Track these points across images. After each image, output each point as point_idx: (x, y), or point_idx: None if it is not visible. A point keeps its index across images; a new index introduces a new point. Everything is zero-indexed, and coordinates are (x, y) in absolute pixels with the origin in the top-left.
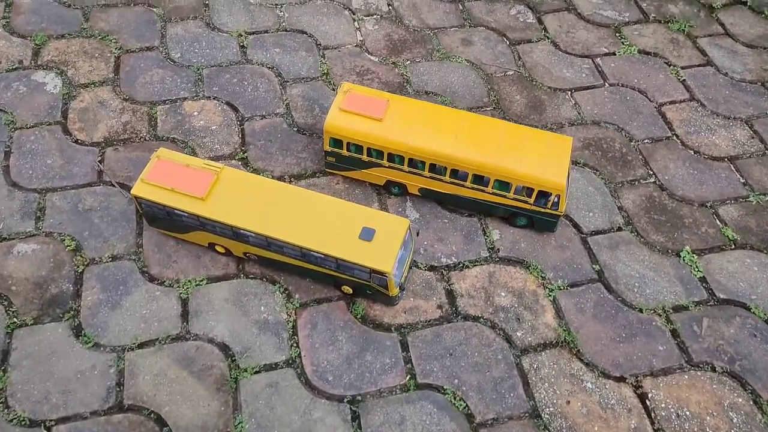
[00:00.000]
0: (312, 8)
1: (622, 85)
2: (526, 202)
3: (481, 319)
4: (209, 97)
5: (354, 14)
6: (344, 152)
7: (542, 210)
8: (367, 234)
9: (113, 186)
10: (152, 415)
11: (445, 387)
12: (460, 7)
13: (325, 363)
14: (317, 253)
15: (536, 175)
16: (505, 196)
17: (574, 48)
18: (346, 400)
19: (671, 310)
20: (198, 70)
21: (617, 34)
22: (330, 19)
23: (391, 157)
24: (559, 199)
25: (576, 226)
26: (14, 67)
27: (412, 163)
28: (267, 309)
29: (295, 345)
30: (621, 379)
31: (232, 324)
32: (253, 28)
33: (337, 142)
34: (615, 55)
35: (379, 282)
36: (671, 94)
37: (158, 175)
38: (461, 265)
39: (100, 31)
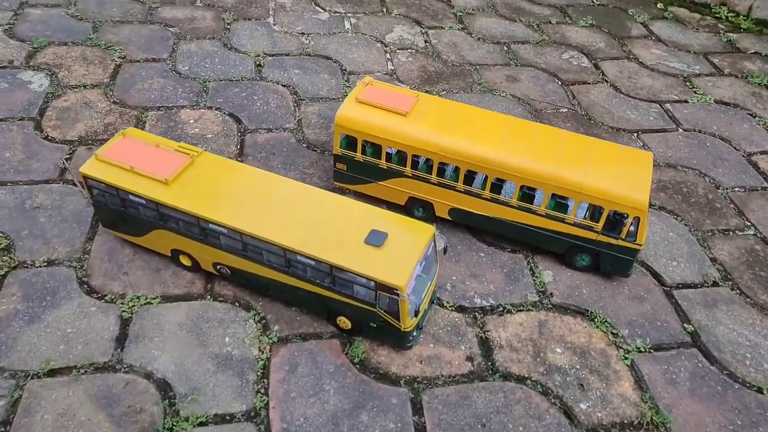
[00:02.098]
0: (341, 38)
1: (700, 131)
2: (591, 229)
3: (529, 381)
4: (211, 107)
5: (386, 46)
6: (358, 156)
7: (613, 242)
8: (377, 238)
9: (75, 185)
10: None
11: None
12: (506, 48)
13: (302, 420)
14: (305, 257)
15: (608, 189)
16: (562, 220)
17: (639, 93)
18: None
19: None
20: (204, 82)
21: (687, 84)
22: (360, 48)
23: (417, 163)
24: (637, 226)
25: (656, 275)
26: (2, 65)
27: (443, 171)
28: (233, 341)
29: (262, 391)
30: None
31: (181, 356)
32: (274, 51)
33: (350, 143)
34: (687, 102)
35: (388, 307)
36: (761, 144)
37: (118, 153)
38: (501, 308)
39: (106, 42)
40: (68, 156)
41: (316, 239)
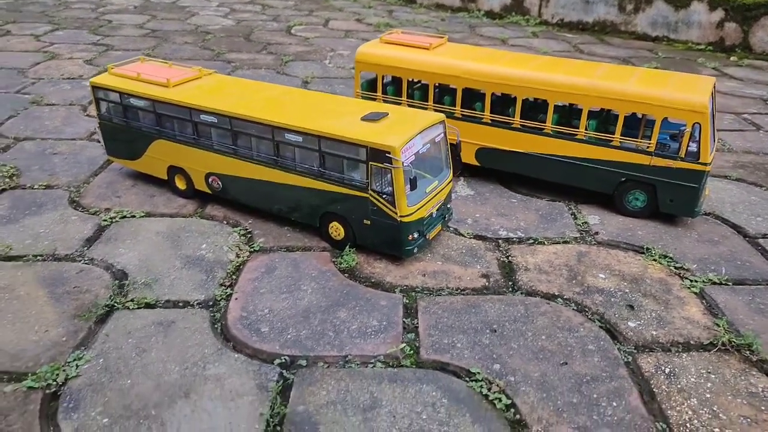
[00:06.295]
0: None
1: None
2: (643, 152)
3: (559, 299)
4: None
5: None
6: (378, 97)
7: (672, 166)
8: (374, 116)
9: (99, 142)
10: None
11: (472, 370)
12: None
13: (266, 311)
14: (293, 133)
15: (657, 93)
16: (608, 144)
17: None
18: (278, 361)
19: None
20: None
21: (767, 103)
22: None
23: (441, 94)
24: (699, 133)
25: (735, 226)
26: (72, 77)
27: (469, 98)
28: (210, 247)
29: (227, 285)
30: None
31: (149, 254)
32: (324, 76)
33: (370, 85)
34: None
35: (382, 187)
36: None
37: (131, 69)
38: (532, 240)
39: None
40: None
41: (308, 117)
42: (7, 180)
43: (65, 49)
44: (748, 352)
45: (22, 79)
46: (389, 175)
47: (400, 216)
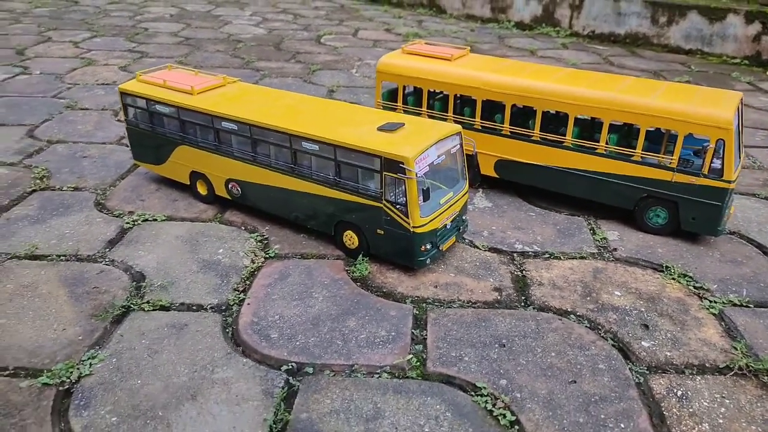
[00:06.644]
0: None
1: None
2: (664, 168)
3: (572, 315)
4: None
5: None
6: (399, 107)
7: (695, 182)
8: (390, 126)
9: (127, 146)
10: None
11: (478, 384)
12: None
13: (276, 317)
14: (310, 142)
15: (681, 108)
16: (628, 159)
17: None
18: (285, 367)
19: None
20: None
21: None
22: None
23: (461, 105)
24: (723, 149)
25: (760, 246)
26: (106, 83)
27: (489, 110)
28: (227, 252)
29: (240, 290)
30: None
31: (167, 257)
32: (349, 85)
33: (391, 95)
34: None
35: (395, 198)
36: None
37: (158, 76)
38: (548, 255)
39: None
40: None
41: (325, 126)
42: (37, 181)
43: (101, 56)
44: (766, 378)
45: (59, 84)
46: (403, 186)
47: (413, 226)
